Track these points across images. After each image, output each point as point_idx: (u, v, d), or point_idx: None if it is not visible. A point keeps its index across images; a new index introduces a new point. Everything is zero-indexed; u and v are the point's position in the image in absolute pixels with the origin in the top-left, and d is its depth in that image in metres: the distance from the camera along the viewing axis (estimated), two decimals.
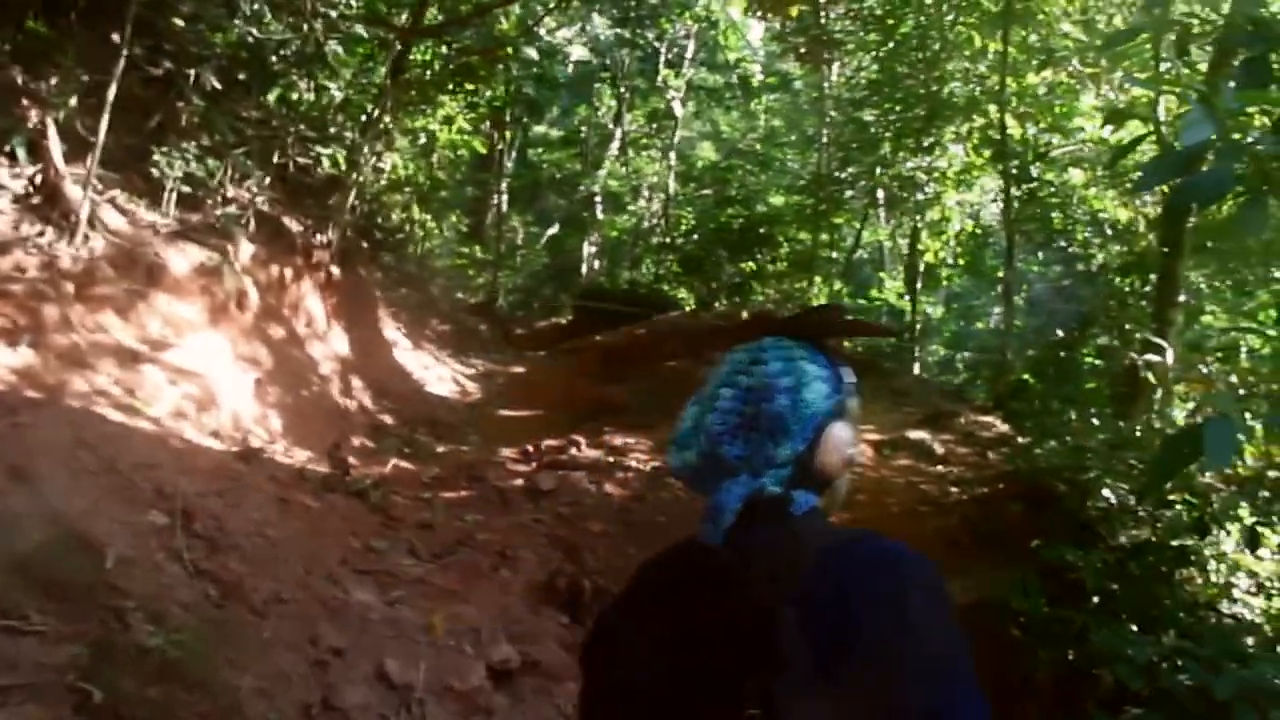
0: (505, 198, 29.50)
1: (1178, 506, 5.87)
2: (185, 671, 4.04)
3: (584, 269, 28.60)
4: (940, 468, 9.64)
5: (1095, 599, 5.64)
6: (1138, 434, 7.61)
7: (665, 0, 24.32)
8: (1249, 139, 3.39)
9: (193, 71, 10.21)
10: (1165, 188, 6.40)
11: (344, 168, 12.81)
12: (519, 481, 7.81)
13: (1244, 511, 5.51)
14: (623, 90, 29.17)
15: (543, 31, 23.85)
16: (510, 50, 14.89)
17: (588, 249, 28.90)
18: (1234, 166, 3.08)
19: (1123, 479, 6.92)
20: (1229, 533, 5.84)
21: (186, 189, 9.84)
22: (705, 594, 1.45)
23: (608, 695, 1.54)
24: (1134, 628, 5.10)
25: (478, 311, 24.64)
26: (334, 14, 12.29)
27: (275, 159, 11.86)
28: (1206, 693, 4.14)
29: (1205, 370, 8.59)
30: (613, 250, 29.75)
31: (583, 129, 30.22)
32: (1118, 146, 10.57)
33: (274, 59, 12.19)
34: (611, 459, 8.68)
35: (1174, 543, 5.74)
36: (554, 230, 30.47)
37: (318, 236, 12.58)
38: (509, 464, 8.41)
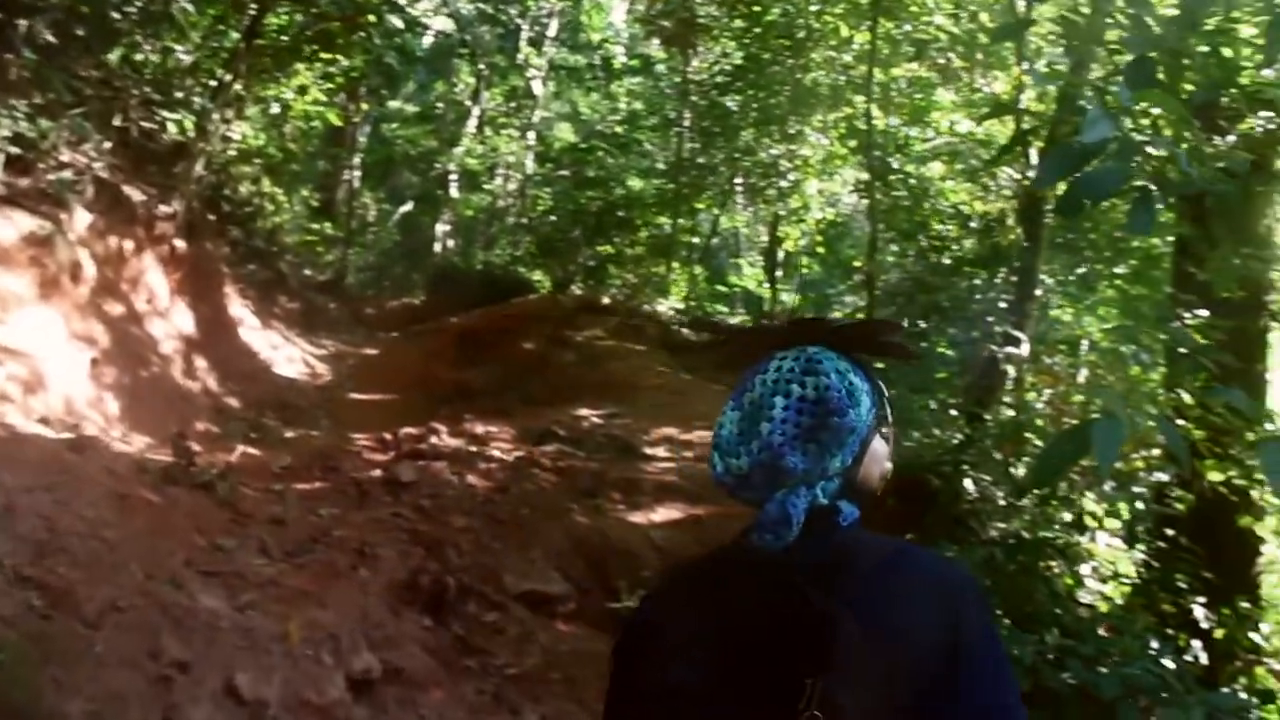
0: (358, 174, 28.77)
1: (1053, 501, 5.91)
2: (3, 696, 3.63)
3: (437, 248, 28.03)
4: None
5: None
6: (997, 428, 7.70)
7: None
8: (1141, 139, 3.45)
9: (24, 22, 9.44)
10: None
11: (191, 135, 12.11)
12: (377, 472, 7.42)
13: (1122, 508, 5.57)
14: (482, 67, 28.61)
15: (402, 1, 23.24)
16: (374, 18, 14.22)
17: (441, 228, 28.34)
18: (1128, 165, 3.15)
19: (990, 473, 6.99)
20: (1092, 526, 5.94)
21: (15, 150, 9.09)
22: (762, 598, 1.44)
23: (648, 695, 1.52)
24: (1007, 621, 5.11)
25: (326, 289, 23.90)
26: None
27: (116, 122, 11.14)
28: (1089, 691, 4.14)
29: (1051, 364, 8.76)
30: (467, 230, 29.23)
31: (439, 105, 29.53)
32: (999, 144, 10.71)
33: (116, 15, 11.49)
34: (474, 448, 8.36)
35: (1047, 536, 5.78)
36: (407, 208, 29.81)
37: (161, 207, 11.87)
38: (366, 453, 8.02)
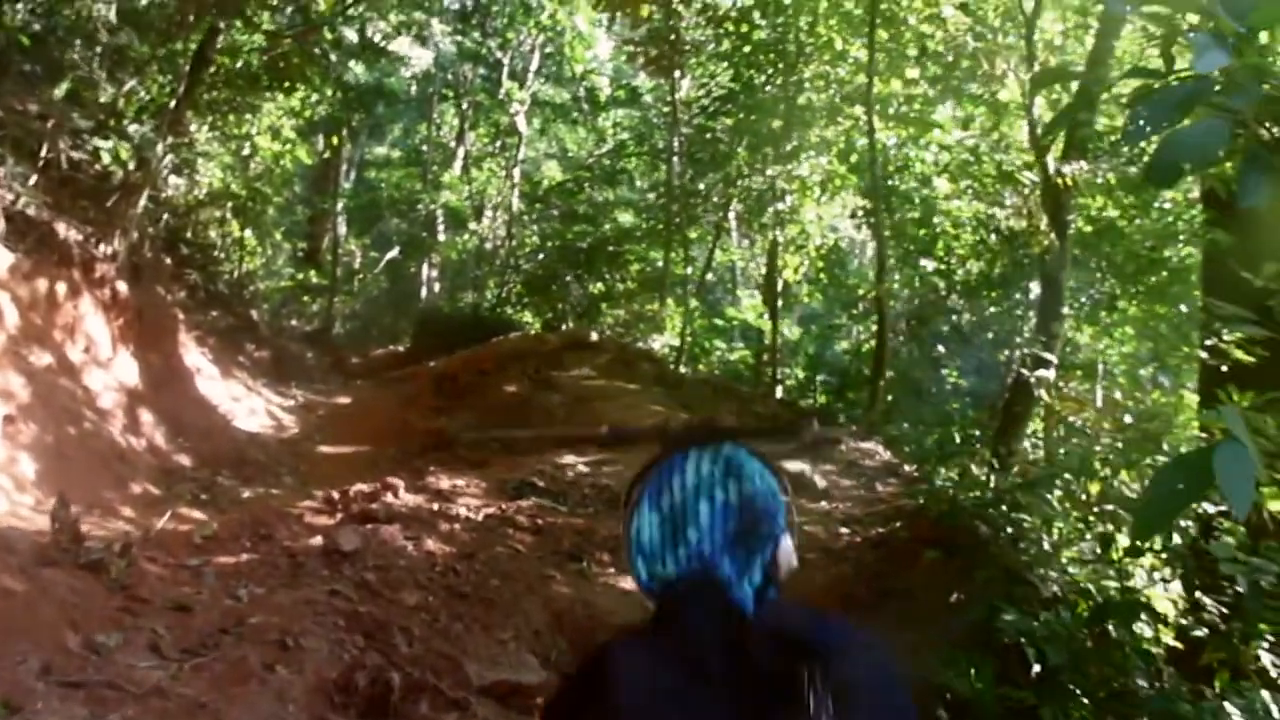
0: (342, 219, 27.96)
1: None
2: None
3: (424, 293, 27.07)
4: (824, 504, 8.44)
5: (1037, 667, 4.49)
6: (1041, 462, 6.66)
7: (508, 8, 22.98)
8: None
9: None
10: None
11: (131, 168, 11.01)
12: (316, 540, 6.19)
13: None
14: (465, 106, 27.79)
15: (377, 37, 22.31)
16: (328, 34, 13.15)
17: (427, 272, 27.40)
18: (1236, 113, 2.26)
19: (1036, 515, 5.86)
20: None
21: None
22: (723, 667, 1.40)
23: None
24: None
25: (312, 339, 23.00)
26: None
27: (43, 152, 10.06)
28: None
29: (1070, 388, 7.91)
30: (455, 273, 28.34)
31: (424, 147, 28.70)
32: (1017, 148, 9.78)
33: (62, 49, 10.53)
34: (435, 506, 7.14)
35: (1133, 590, 4.64)
36: (394, 254, 28.92)
37: (101, 247, 10.80)
38: (308, 516, 6.80)
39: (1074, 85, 8.81)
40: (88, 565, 5.07)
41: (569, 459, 9.53)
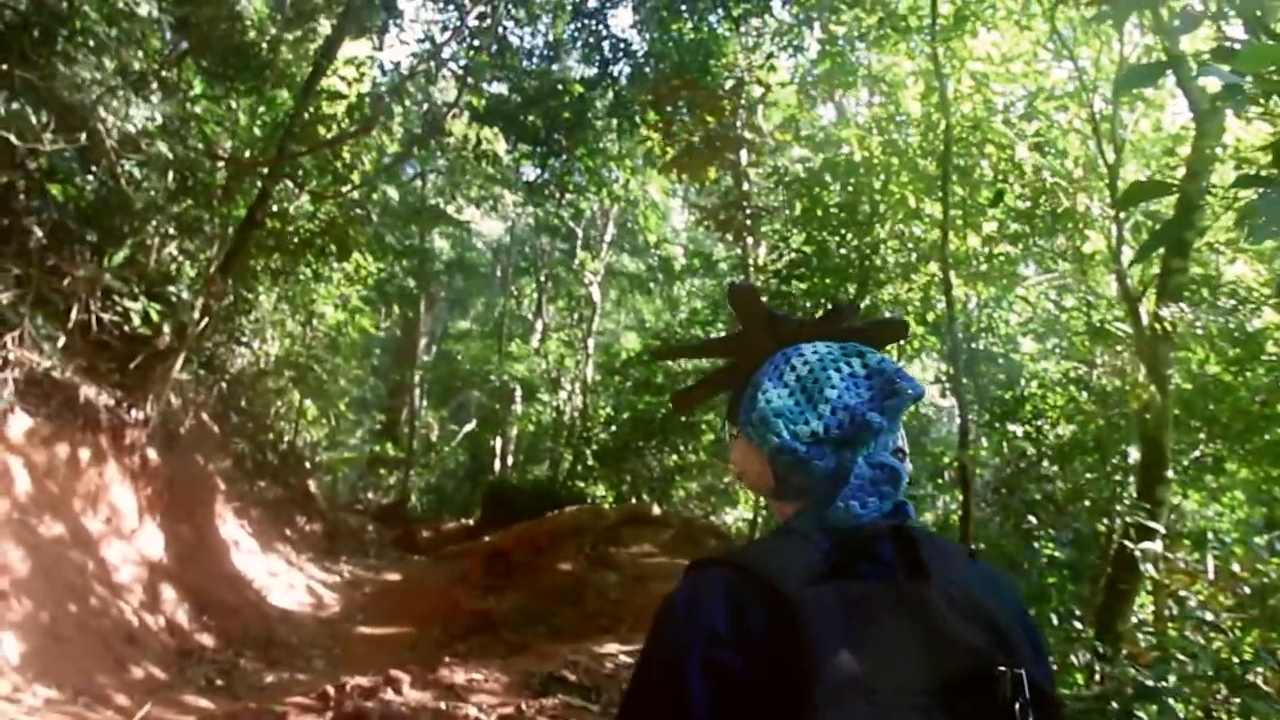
0: (420, 391, 27.92)
1: None
2: None
3: (497, 465, 26.54)
4: None
5: None
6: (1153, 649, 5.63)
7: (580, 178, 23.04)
8: None
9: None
10: None
11: (166, 330, 10.59)
12: None
13: None
14: (543, 278, 27.79)
15: (451, 209, 22.37)
16: (371, 194, 12.85)
17: (501, 444, 26.94)
18: None
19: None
20: None
21: None
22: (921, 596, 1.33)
23: None
24: None
25: (386, 513, 22.58)
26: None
27: (74, 313, 9.67)
28: None
29: (1179, 559, 6.92)
30: (529, 445, 27.85)
31: (504, 321, 28.71)
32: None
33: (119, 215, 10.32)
34: (442, 705, 6.11)
35: None
36: (471, 426, 28.66)
37: (132, 412, 10.30)
38: (294, 714, 5.86)
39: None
40: None
41: (610, 647, 8.48)
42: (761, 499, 13.23)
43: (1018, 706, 1.23)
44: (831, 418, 1.47)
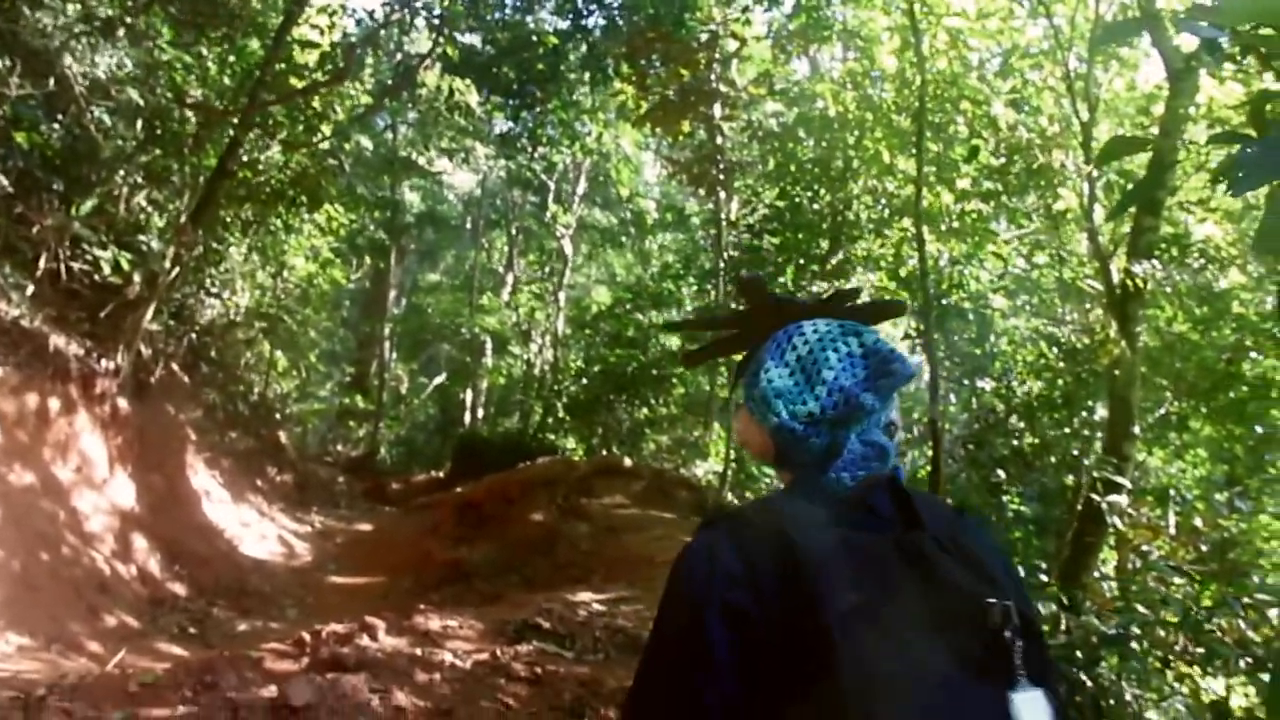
0: (390, 344, 27.80)
1: None
2: None
3: (468, 418, 26.55)
4: None
5: None
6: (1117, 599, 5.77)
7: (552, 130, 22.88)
8: None
9: None
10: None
11: (136, 279, 10.50)
12: (269, 690, 5.30)
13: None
14: (514, 231, 27.66)
15: (422, 161, 22.21)
16: (343, 145, 12.75)
17: (472, 397, 26.94)
18: None
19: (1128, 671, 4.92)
20: None
21: None
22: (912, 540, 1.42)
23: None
24: None
25: (355, 465, 22.58)
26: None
27: (42, 262, 9.57)
28: None
29: (1140, 515, 7.08)
30: (500, 398, 27.87)
31: (474, 273, 28.56)
32: (1080, 260, 9.04)
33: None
34: (418, 651, 6.19)
35: None
36: (441, 379, 28.60)
37: (102, 362, 10.22)
38: (269, 660, 5.92)
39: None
40: None
41: (584, 596, 8.56)
42: (733, 453, 13.29)
43: (1008, 633, 1.32)
44: (828, 399, 1.55)
